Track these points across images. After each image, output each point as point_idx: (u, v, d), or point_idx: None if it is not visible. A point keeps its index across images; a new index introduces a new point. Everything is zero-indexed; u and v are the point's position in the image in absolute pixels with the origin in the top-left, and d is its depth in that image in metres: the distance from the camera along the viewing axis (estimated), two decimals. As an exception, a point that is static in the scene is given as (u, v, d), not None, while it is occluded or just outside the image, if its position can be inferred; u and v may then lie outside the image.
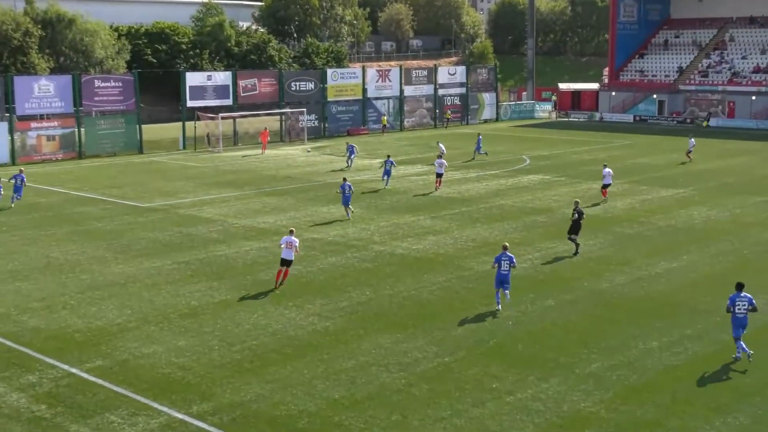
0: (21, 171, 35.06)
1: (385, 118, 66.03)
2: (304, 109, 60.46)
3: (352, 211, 31.08)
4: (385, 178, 38.54)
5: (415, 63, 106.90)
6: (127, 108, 52.80)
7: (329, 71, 64.53)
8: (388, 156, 39.92)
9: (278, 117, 60.23)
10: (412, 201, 34.89)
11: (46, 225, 30.26)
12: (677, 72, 77.21)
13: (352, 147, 45.12)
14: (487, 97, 75.44)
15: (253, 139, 57.25)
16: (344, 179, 31.57)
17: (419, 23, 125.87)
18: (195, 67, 76.03)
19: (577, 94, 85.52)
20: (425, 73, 71.09)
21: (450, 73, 73.28)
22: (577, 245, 25.36)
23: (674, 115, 73.56)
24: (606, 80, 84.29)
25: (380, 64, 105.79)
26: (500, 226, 29.50)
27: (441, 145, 46.04)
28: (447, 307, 20.29)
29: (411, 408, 14.64)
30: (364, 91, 65.05)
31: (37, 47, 66.84)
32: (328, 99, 62.71)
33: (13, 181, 33.78)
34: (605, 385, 15.60)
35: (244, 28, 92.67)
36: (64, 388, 15.51)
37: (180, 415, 14.35)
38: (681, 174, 42.37)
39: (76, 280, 22.84)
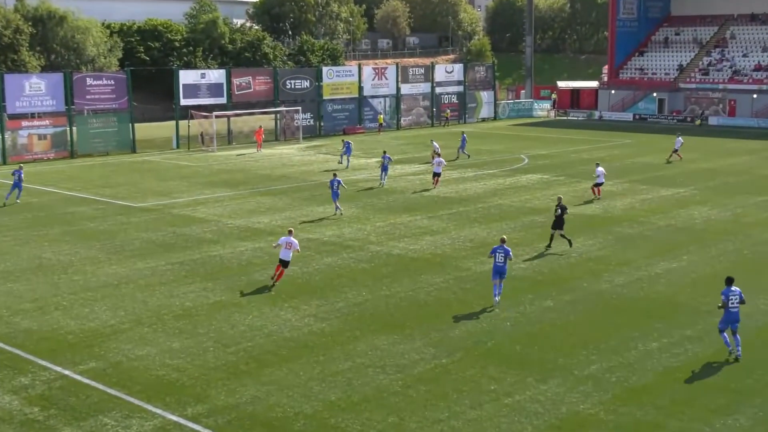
0: (20, 167, 35.54)
1: (382, 116, 65.85)
2: (300, 108, 60.24)
3: (341, 211, 31.07)
4: (383, 174, 38.49)
5: (411, 61, 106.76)
6: (120, 106, 52.53)
7: (325, 69, 64.31)
8: (384, 152, 39.86)
9: (273, 115, 60.00)
10: (408, 200, 34.73)
11: (38, 225, 30.03)
12: (677, 70, 77.17)
13: (348, 144, 44.96)
14: (485, 96, 75.31)
15: (248, 138, 57.04)
16: (334, 174, 31.92)
17: (416, 20, 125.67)
18: (188, 65, 75.70)
19: (576, 92, 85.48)
20: (422, 71, 70.90)
21: (447, 71, 73.10)
22: (569, 240, 25.58)
23: (674, 114, 73.52)
24: (605, 78, 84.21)
25: (376, 61, 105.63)
26: (498, 226, 29.34)
27: (435, 143, 46.00)
28: (444, 308, 20.14)
29: (408, 410, 14.49)
30: (360, 89, 64.85)
31: (27, 45, 66.45)
32: (324, 97, 62.50)
33: (13, 176, 34.40)
34: (604, 387, 15.48)
35: (239, 25, 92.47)
36: (57, 390, 15.36)
37: (174, 418, 14.21)
38: (680, 174, 42.27)
39: (69, 281, 22.63)
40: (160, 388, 15.42)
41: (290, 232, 22.29)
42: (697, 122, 69.47)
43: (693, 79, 75.03)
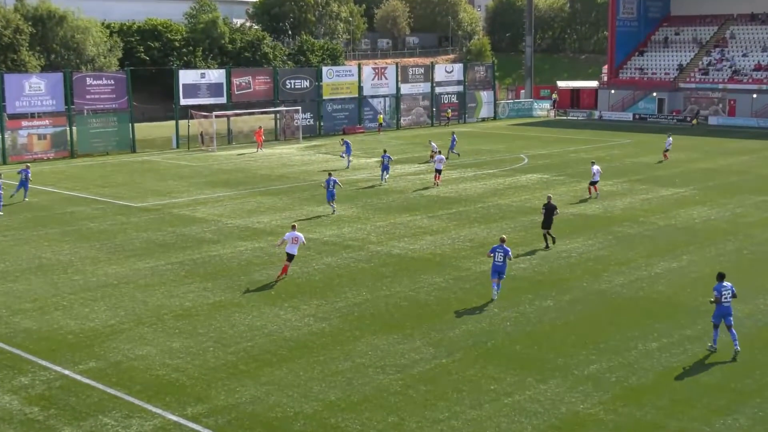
0: (27, 166, 36.12)
1: (382, 116, 65.84)
2: (299, 108, 60.23)
3: (334, 210, 31.41)
4: (384, 173, 38.75)
5: (411, 60, 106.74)
6: (120, 106, 52.50)
7: (324, 69, 64.29)
8: (385, 151, 40.04)
9: (273, 115, 59.99)
10: (408, 200, 34.73)
11: (38, 225, 30.03)
12: (677, 70, 77.16)
13: (348, 144, 44.98)
14: (485, 96, 75.29)
15: (248, 138, 57.03)
16: (329, 174, 32.33)
17: (416, 20, 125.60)
18: (188, 65, 75.70)
19: (576, 92, 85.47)
20: (422, 70, 70.88)
21: (447, 70, 73.07)
22: (552, 238, 26.05)
23: (674, 114, 73.52)
24: (605, 78, 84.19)
25: (376, 61, 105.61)
26: (498, 226, 29.34)
27: (433, 143, 46.13)
28: (444, 308, 20.14)
29: (408, 410, 14.49)
30: (360, 89, 64.84)
31: (27, 44, 66.39)
32: (324, 97, 62.49)
33: (20, 175, 34.96)
34: (604, 387, 15.47)
35: (238, 25, 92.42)
36: (56, 390, 15.35)
37: (174, 418, 14.20)
38: (680, 174, 42.26)
39: (69, 281, 22.63)
40: (160, 388, 15.42)
41: (294, 227, 22.68)
42: (693, 122, 69.43)
43: (693, 79, 75.02)
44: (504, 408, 14.57)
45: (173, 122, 56.16)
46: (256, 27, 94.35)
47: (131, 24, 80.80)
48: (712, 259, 24.56)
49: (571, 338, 18.03)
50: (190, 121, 55.43)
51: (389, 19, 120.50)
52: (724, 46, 77.46)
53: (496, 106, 76.94)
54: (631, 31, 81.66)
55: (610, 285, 22.08)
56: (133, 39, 78.80)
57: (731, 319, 17.04)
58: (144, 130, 57.71)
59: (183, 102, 55.52)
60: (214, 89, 56.78)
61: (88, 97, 50.89)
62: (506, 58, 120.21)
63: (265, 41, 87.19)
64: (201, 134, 55.33)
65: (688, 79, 75.29)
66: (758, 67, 72.33)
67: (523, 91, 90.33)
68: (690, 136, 60.42)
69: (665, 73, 77.95)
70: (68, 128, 50.09)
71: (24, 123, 48.75)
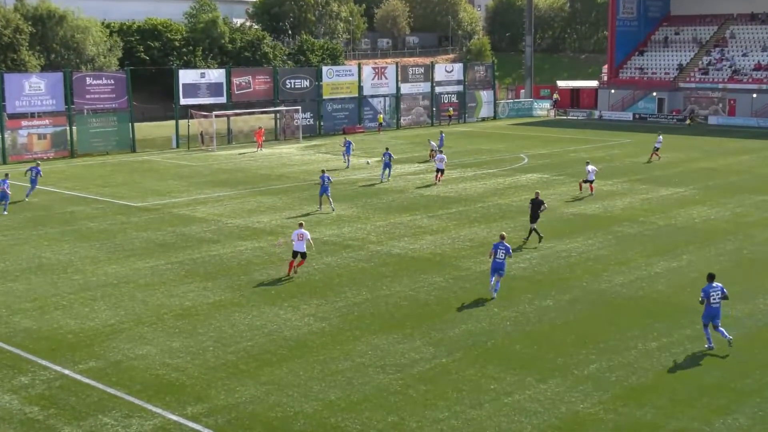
0: (37, 164, 36.54)
1: (382, 116, 65.84)
2: (299, 107, 60.22)
3: (321, 209, 31.74)
4: (386, 171, 38.99)
5: (411, 60, 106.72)
6: (120, 106, 52.49)
7: (324, 69, 64.29)
8: (387, 149, 40.20)
9: (273, 115, 59.98)
10: (408, 200, 34.73)
11: (38, 225, 30.03)
12: (677, 69, 77.14)
13: (349, 143, 45.01)
14: (485, 95, 75.28)
15: (248, 138, 57.03)
16: (323, 171, 32.65)
17: (416, 20, 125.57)
18: (188, 65, 75.67)
19: (575, 91, 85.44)
20: (422, 70, 70.88)
21: (447, 70, 73.06)
22: (537, 233, 26.43)
23: (674, 113, 73.53)
24: (605, 78, 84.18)
25: (376, 61, 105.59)
26: (498, 225, 29.32)
27: (433, 143, 46.24)
28: (444, 308, 20.14)
29: (408, 410, 14.49)
30: (360, 88, 64.83)
31: (27, 44, 66.36)
32: (324, 97, 62.49)
33: (29, 173, 35.29)
34: (604, 386, 15.47)
35: (238, 24, 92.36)
36: (56, 390, 15.35)
37: (174, 417, 14.20)
38: (680, 173, 42.26)
39: (69, 281, 22.63)
40: (159, 388, 15.42)
41: (301, 224, 23.08)
42: (688, 122, 69.43)
43: (693, 79, 75.01)
44: (504, 407, 14.57)
45: (173, 122, 56.15)
46: (256, 27, 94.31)
47: (131, 24, 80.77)
48: (712, 259, 24.55)
49: (570, 338, 18.03)
50: (190, 120, 55.41)
51: (389, 19, 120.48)
52: (724, 45, 77.45)
53: (496, 105, 76.93)
54: (631, 30, 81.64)
55: (609, 285, 22.08)
56: (133, 39, 78.78)
57: (719, 321, 17.02)
58: (144, 129, 57.68)
59: (183, 102, 55.50)
60: (214, 89, 56.77)
61: (88, 96, 50.87)
62: (506, 57, 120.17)
63: (265, 41, 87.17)
64: (201, 134, 55.32)
65: (688, 79, 75.28)
66: (758, 67, 72.32)
67: (523, 90, 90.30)
68: (690, 136, 60.46)
69: (665, 73, 77.94)
70: (68, 128, 50.07)
71: (24, 123, 48.73)
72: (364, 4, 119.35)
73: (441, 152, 40.65)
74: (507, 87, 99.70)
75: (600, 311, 19.97)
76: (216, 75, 57.99)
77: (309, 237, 22.72)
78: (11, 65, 64.28)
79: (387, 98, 67.20)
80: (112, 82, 52.42)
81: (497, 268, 20.58)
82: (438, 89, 70.64)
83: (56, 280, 22.73)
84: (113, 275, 23.15)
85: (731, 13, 79.97)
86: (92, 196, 36.18)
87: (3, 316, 19.65)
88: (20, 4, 69.95)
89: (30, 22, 67.18)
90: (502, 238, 20.93)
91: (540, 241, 26.34)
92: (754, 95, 69.74)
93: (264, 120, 59.12)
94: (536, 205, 26.38)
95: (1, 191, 32.11)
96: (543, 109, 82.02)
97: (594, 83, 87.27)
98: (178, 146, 55.08)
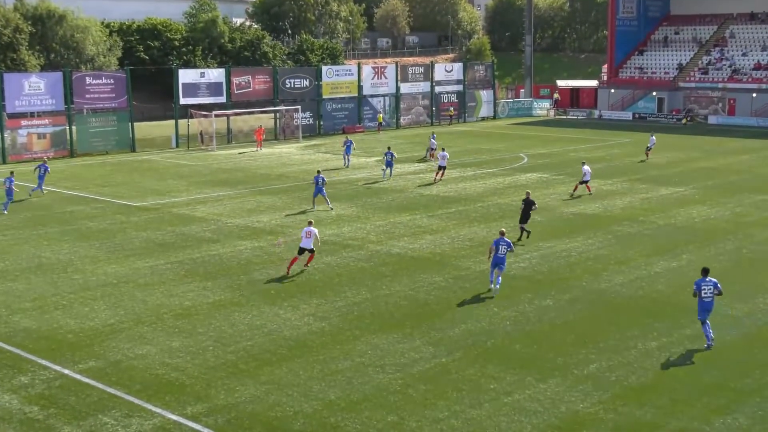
0: (45, 161, 37.26)
1: (381, 115, 65.82)
2: (299, 107, 60.20)
3: (315, 208, 32.06)
4: (387, 169, 39.21)
5: (411, 60, 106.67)
6: (119, 106, 52.46)
7: (324, 68, 64.26)
8: (389, 148, 40.33)
9: (272, 115, 59.96)
10: (408, 199, 34.73)
11: (38, 224, 30.02)
12: (677, 69, 77.13)
13: (350, 143, 45.01)
14: (485, 95, 75.26)
15: (247, 137, 57.02)
16: (318, 171, 32.96)
17: (415, 19, 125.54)
18: (188, 64, 75.63)
19: (575, 91, 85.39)
20: (422, 70, 70.86)
21: (447, 70, 73.04)
22: (527, 232, 26.81)
23: (674, 113, 73.54)
24: (605, 77, 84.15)
25: (376, 60, 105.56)
26: (498, 225, 29.26)
27: (432, 140, 46.33)
28: (444, 308, 20.14)
29: (408, 409, 14.49)
30: (360, 88, 64.81)
31: (27, 44, 66.34)
32: (323, 96, 62.47)
33: (37, 170, 35.73)
34: (604, 386, 15.47)
35: (238, 24, 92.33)
36: (56, 390, 15.35)
37: (174, 417, 14.19)
38: (679, 173, 42.27)
39: (68, 280, 22.62)
40: (159, 387, 15.41)
41: (310, 223, 23.57)
42: (684, 121, 69.40)
43: (692, 78, 75.01)
44: (504, 407, 14.57)
45: (173, 121, 56.14)
46: (255, 26, 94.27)
47: (131, 23, 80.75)
48: (711, 259, 24.53)
49: (570, 337, 18.03)
50: (190, 120, 55.39)
51: (389, 19, 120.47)
52: (723, 45, 77.44)
53: (495, 105, 76.90)
54: (631, 30, 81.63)
55: (609, 284, 22.08)
56: (132, 38, 78.76)
57: (708, 314, 17.19)
58: (143, 129, 57.67)
59: (182, 101, 55.48)
60: (214, 88, 56.75)
61: (87, 96, 50.84)
62: (506, 57, 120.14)
63: (264, 40, 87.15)
64: (200, 133, 55.31)
65: (687, 79, 75.27)
66: (758, 67, 72.31)
67: (522, 90, 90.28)
68: (690, 136, 60.46)
69: (665, 73, 77.93)
70: (68, 127, 50.04)
71: (23, 122, 48.70)
72: (363, 4, 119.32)
73: (443, 150, 40.69)
74: (507, 86, 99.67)
75: (600, 311, 19.97)
76: (216, 75, 57.97)
77: (317, 234, 23.16)
78: (11, 65, 64.26)
79: (387, 98, 67.17)
80: (112, 81, 52.39)
81: (498, 263, 20.91)
82: (438, 89, 70.61)
83: (56, 279, 22.73)
84: (113, 275, 23.14)
85: (731, 13, 79.96)
86: (92, 195, 36.17)
87: (3, 315, 19.63)
88: (20, 3, 69.91)
89: (30, 22, 67.15)
90: (503, 234, 21.15)
91: (527, 237, 26.63)
92: (754, 95, 69.73)
93: (264, 120, 59.09)
94: (528, 204, 26.72)
95: (8, 188, 32.33)
96: (543, 108, 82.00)
97: (594, 83, 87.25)
98: (177, 146, 55.05)
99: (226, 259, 24.79)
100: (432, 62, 75.77)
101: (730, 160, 47.56)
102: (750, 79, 71.66)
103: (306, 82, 61.96)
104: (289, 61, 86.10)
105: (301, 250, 23.02)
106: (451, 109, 70.68)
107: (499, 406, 14.62)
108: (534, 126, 70.26)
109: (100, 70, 64.17)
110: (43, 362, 16.65)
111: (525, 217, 26.91)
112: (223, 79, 57.35)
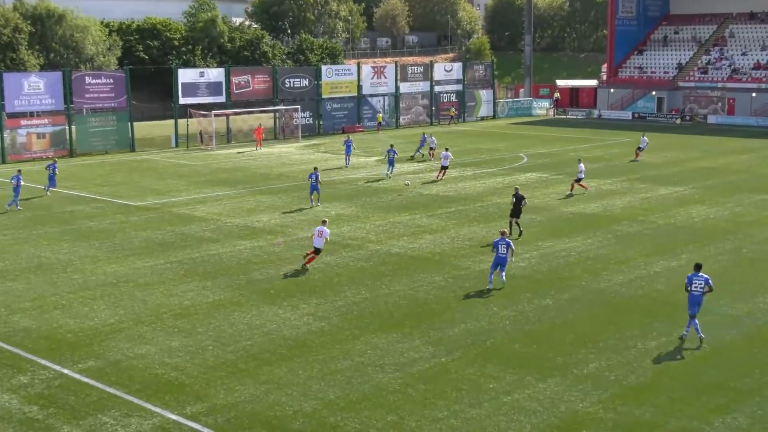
0: (54, 161, 38.04)
1: (381, 115, 65.81)
2: (299, 107, 60.20)
3: (317, 204, 32.59)
4: (389, 168, 39.41)
5: (410, 59, 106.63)
6: (119, 105, 52.45)
7: (324, 68, 64.27)
8: (391, 145, 40.51)
9: (272, 114, 59.94)
10: (407, 199, 34.73)
11: (37, 224, 30.02)
12: (676, 68, 77.15)
13: (350, 142, 45.02)
14: (484, 94, 75.26)
15: (247, 137, 57.01)
16: (315, 168, 33.21)
17: (415, 19, 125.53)
18: (187, 64, 75.58)
19: (575, 91, 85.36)
20: (421, 69, 70.84)
21: (446, 69, 73.03)
22: (518, 226, 27.10)
23: (673, 112, 73.56)
24: (604, 77, 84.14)
25: (375, 60, 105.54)
26: (497, 224, 29.26)
27: (433, 138, 46.48)
28: (443, 307, 20.14)
29: (407, 409, 14.49)
30: (359, 87, 64.81)
31: (26, 43, 66.30)
32: (323, 96, 62.47)
33: (48, 170, 36.23)
34: (603, 386, 15.48)
35: (237, 24, 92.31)
36: (56, 389, 15.35)
37: (174, 416, 14.20)
38: (678, 173, 42.29)
39: (68, 280, 22.62)
40: (159, 387, 15.41)
41: (324, 222, 23.76)
42: (677, 121, 69.34)
43: (692, 78, 75.03)
44: (503, 407, 14.57)
45: (172, 121, 56.14)
46: (255, 26, 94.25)
47: (130, 23, 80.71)
48: (711, 258, 24.54)
49: (570, 337, 18.04)
50: (189, 120, 55.39)
51: (388, 18, 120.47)
52: (723, 44, 77.46)
53: (495, 104, 76.90)
54: (631, 29, 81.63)
55: (609, 284, 22.08)
56: (132, 38, 78.72)
57: (698, 309, 17.33)
58: (143, 129, 57.65)
59: (182, 101, 55.46)
60: (213, 88, 56.75)
61: (87, 96, 50.82)
62: (505, 56, 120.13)
63: (264, 40, 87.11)
64: (200, 133, 55.30)
65: (687, 78, 75.29)
66: (757, 66, 72.33)
67: (522, 89, 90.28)
68: (690, 135, 60.47)
69: (664, 72, 77.94)
70: (67, 127, 50.04)
71: (23, 122, 48.70)
72: (363, 4, 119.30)
73: (446, 149, 40.77)
74: (506, 86, 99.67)
75: (599, 310, 19.98)
76: (215, 74, 57.95)
77: (328, 234, 23.38)
78: (10, 64, 64.22)
79: (386, 97, 67.17)
80: (112, 81, 52.37)
81: (499, 262, 21.11)
82: (437, 88, 70.59)
83: (56, 279, 22.72)
84: (112, 274, 23.14)
85: (730, 13, 79.98)
86: (91, 195, 36.17)
87: (2, 315, 19.63)
88: (19, 3, 69.85)
89: (29, 22, 67.11)
90: (503, 234, 21.29)
91: (519, 237, 26.60)
92: (754, 94, 69.74)
93: (263, 119, 59.08)
94: (519, 199, 27.02)
95: (15, 185, 32.43)
96: (542, 108, 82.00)
97: (593, 82, 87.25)
98: (177, 145, 55.04)
99: (226, 259, 24.79)
100: (431, 62, 75.73)
101: (730, 159, 47.57)
102: (749, 79, 71.67)
103: (305, 82, 61.95)
104: (288, 61, 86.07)
105: (315, 249, 23.49)
106: (452, 109, 70.64)
107: (499, 405, 14.63)
108: (533, 126, 70.26)
109: (99, 69, 64.13)
110: (43, 362, 16.65)
111: (517, 211, 27.18)
112: (222, 79, 57.34)
